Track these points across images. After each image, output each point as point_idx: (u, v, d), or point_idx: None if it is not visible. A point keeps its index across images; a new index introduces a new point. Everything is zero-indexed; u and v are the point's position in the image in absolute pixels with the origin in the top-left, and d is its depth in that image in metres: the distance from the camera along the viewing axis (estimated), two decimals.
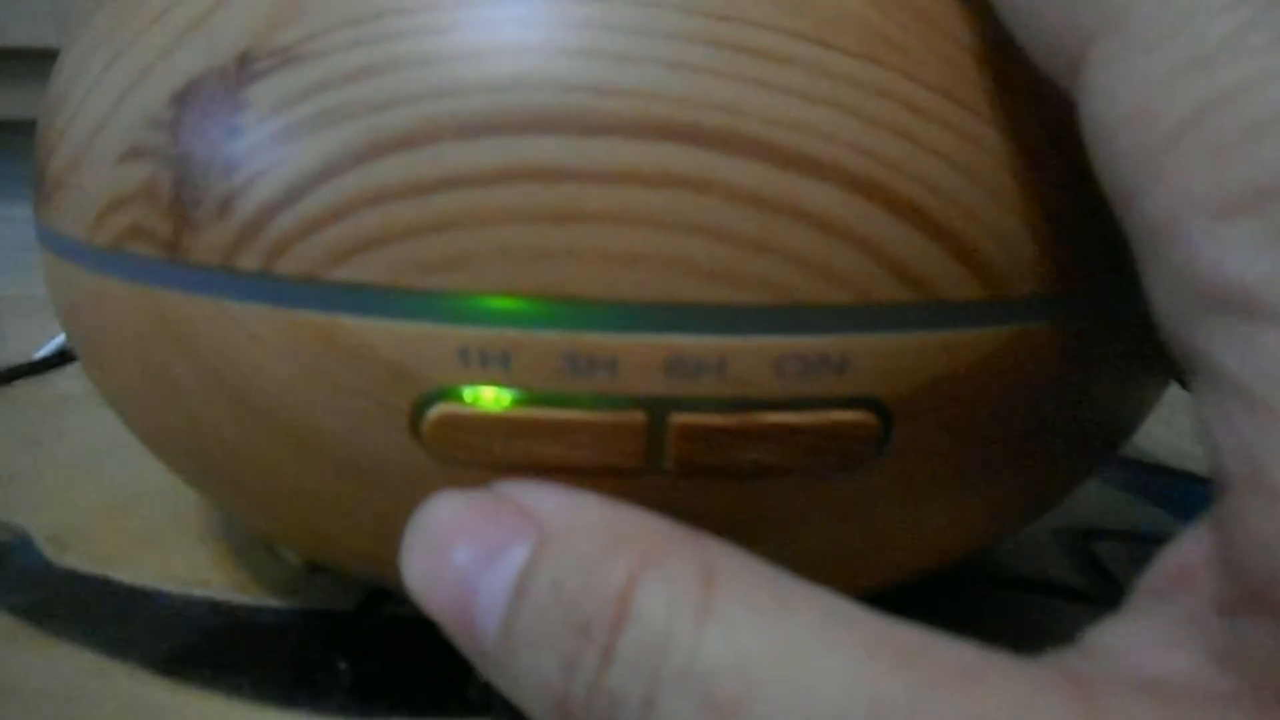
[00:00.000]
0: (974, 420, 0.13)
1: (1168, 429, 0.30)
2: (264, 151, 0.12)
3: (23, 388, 0.32)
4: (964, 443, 0.13)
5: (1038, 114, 0.12)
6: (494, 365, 0.12)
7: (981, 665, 0.09)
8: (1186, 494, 0.25)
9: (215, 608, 0.18)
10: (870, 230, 0.12)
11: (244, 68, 0.12)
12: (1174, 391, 0.34)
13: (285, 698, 0.15)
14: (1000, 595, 0.19)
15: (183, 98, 0.13)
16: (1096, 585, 0.20)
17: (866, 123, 0.12)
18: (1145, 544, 0.22)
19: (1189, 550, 0.10)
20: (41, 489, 0.23)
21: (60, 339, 0.42)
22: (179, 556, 0.20)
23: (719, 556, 0.10)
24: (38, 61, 0.53)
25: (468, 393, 0.12)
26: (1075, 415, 0.14)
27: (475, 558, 0.10)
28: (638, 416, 0.12)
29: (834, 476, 0.13)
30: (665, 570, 0.10)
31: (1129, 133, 0.09)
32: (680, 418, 0.12)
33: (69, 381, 0.33)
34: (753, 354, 0.12)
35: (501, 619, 0.10)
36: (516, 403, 0.12)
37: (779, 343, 0.12)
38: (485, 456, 0.12)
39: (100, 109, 0.13)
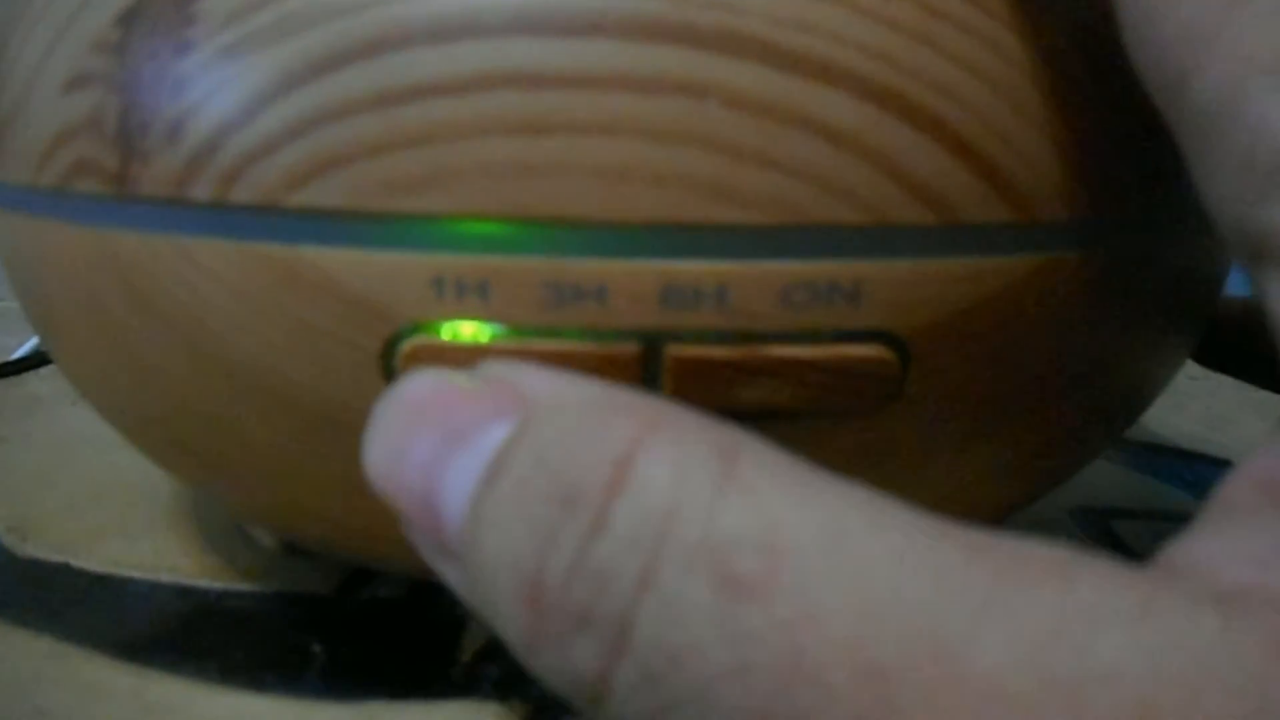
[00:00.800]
0: (997, 359, 0.12)
1: (1184, 417, 0.29)
2: (216, 66, 0.11)
3: None
4: (985, 386, 0.12)
5: (1065, 23, 0.11)
6: (471, 296, 0.11)
7: (1072, 564, 0.07)
8: (1207, 477, 0.24)
9: (183, 592, 0.17)
10: (885, 143, 0.11)
11: None
12: (1188, 382, 0.33)
13: (254, 680, 0.14)
14: None
15: (129, 16, 0.11)
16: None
17: (880, 24, 0.11)
18: (1168, 522, 0.21)
19: (1268, 464, 0.09)
20: (6, 484, 0.22)
21: (34, 340, 0.41)
22: (146, 544, 0.19)
23: (740, 436, 0.08)
24: None
25: (444, 328, 0.11)
26: (1099, 364, 0.13)
27: (447, 435, 0.08)
28: (630, 350, 0.11)
29: (844, 422, 0.12)
30: (676, 437, 0.08)
31: (1181, 5, 0.08)
32: (677, 351, 0.11)
33: (42, 382, 0.32)
34: (756, 281, 0.11)
35: (470, 498, 0.08)
36: (497, 337, 0.11)
37: (785, 268, 0.11)
38: None
39: (44, 40, 0.12)
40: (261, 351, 0.11)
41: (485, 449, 0.08)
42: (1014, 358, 0.12)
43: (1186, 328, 0.15)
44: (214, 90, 0.11)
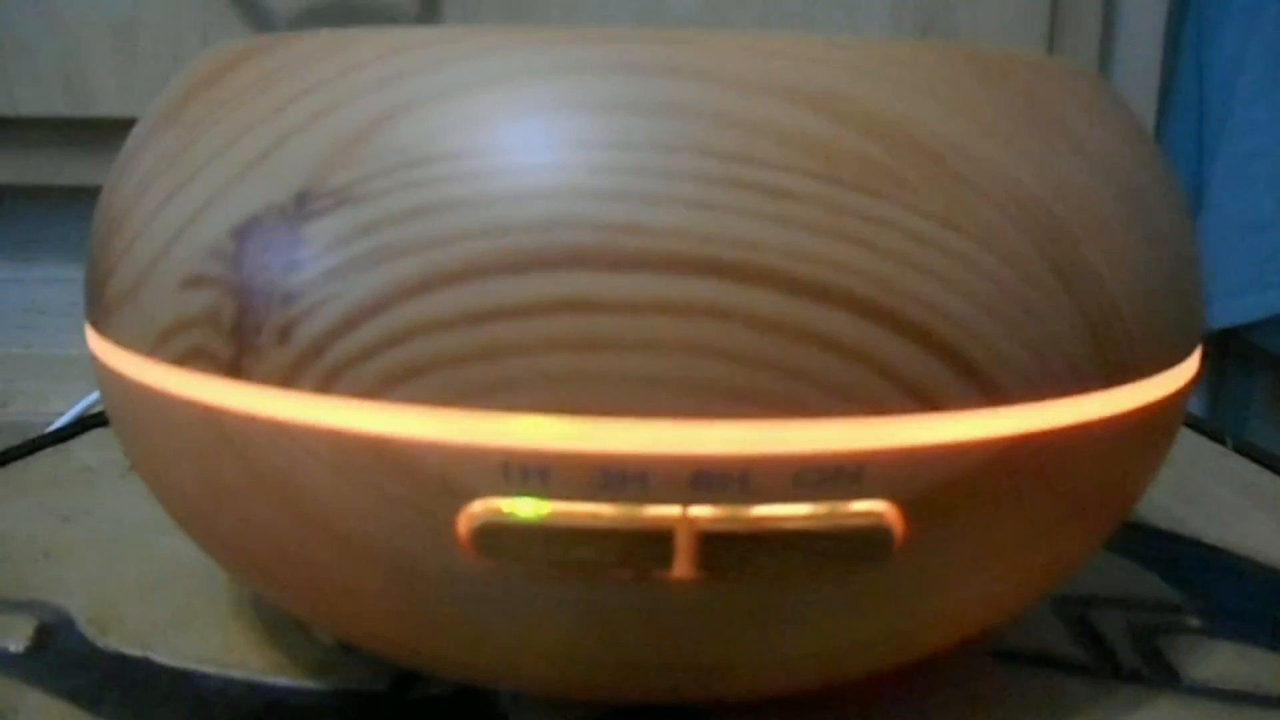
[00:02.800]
0: (982, 517, 0.14)
1: (1157, 488, 0.31)
2: (322, 284, 0.13)
3: (46, 459, 0.33)
4: (973, 537, 0.14)
5: (1032, 235, 0.14)
6: (533, 479, 0.13)
7: None
8: (1182, 558, 0.26)
9: (253, 688, 0.19)
10: (878, 350, 0.13)
11: (302, 206, 0.13)
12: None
13: None
14: (1002, 669, 0.20)
15: (243, 232, 0.14)
16: (1095, 657, 0.20)
17: (875, 253, 0.13)
18: (1145, 612, 0.23)
19: None
20: (76, 567, 0.24)
21: (79, 406, 0.43)
22: (215, 636, 0.21)
23: None
24: (47, 130, 0.55)
25: (508, 504, 0.13)
26: (1078, 503, 0.15)
27: None
28: (665, 526, 0.13)
29: (850, 574, 0.14)
30: None
31: None
32: (704, 525, 0.13)
33: (88, 451, 0.34)
34: (773, 466, 0.13)
35: None
36: (553, 513, 0.13)
37: (797, 455, 0.13)
38: (523, 560, 0.13)
39: (162, 237, 0.15)
40: (353, 516, 0.14)
41: None
42: (997, 513, 0.14)
43: (1166, 443, 0.17)
44: (320, 303, 0.13)
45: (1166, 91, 0.67)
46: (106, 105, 0.51)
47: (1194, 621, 0.22)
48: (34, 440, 0.34)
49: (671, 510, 0.13)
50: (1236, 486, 0.31)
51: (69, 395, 0.47)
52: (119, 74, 0.51)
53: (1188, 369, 0.17)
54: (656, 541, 0.13)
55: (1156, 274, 0.15)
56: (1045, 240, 0.14)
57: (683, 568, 0.13)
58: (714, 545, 0.13)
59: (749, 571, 0.13)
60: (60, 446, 0.34)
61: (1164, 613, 0.22)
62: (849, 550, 0.13)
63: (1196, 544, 0.27)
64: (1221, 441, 0.36)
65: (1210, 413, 0.76)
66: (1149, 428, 0.16)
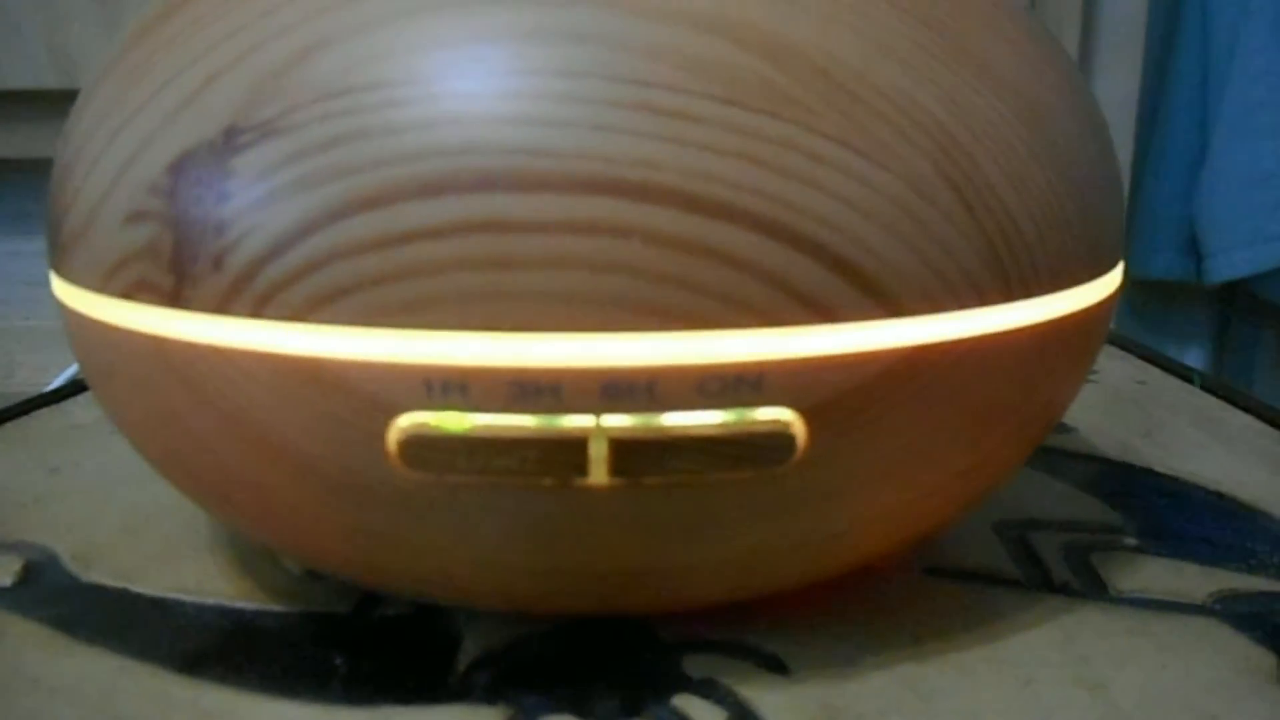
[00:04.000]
0: (885, 425, 0.15)
1: (1120, 424, 0.32)
2: (250, 214, 0.14)
3: (41, 417, 0.34)
4: (879, 445, 0.15)
5: (928, 151, 0.14)
6: (454, 394, 0.14)
7: None
8: (1129, 485, 0.27)
9: (225, 613, 0.20)
10: (775, 264, 0.13)
11: (229, 140, 0.14)
12: (1120, 386, 0.36)
13: (289, 689, 0.17)
14: (934, 585, 0.21)
15: (178, 167, 0.14)
16: (1027, 573, 0.21)
17: (770, 171, 0.13)
18: (1082, 533, 0.23)
19: None
20: (64, 512, 0.25)
21: (72, 370, 0.44)
22: (191, 569, 0.22)
23: None
24: (36, 103, 0.56)
25: (433, 418, 0.14)
26: (986, 414, 0.16)
27: None
28: (578, 434, 0.14)
29: (756, 480, 0.15)
30: None
31: None
32: (616, 434, 0.14)
33: (82, 410, 0.35)
34: (677, 376, 0.14)
35: None
36: (474, 425, 0.14)
37: (700, 365, 0.14)
38: (449, 471, 0.14)
39: (106, 176, 0.15)
40: (292, 434, 0.14)
41: None
42: (896, 423, 0.15)
43: (1082, 359, 0.18)
44: (249, 232, 0.14)
45: (1168, 46, 0.66)
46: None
47: (1130, 541, 0.23)
48: (30, 400, 0.35)
49: (585, 420, 0.14)
50: (1199, 421, 0.32)
51: (70, 365, 0.48)
52: (103, 45, 0.52)
53: (1099, 288, 0.17)
54: (572, 450, 0.14)
55: (1061, 192, 0.16)
56: (943, 159, 0.14)
57: (598, 474, 0.14)
58: (626, 452, 0.14)
59: (661, 477, 0.14)
60: (54, 407, 0.35)
61: (1103, 533, 0.23)
62: (754, 455, 0.14)
63: (1148, 472, 0.27)
64: (1189, 380, 0.37)
65: (1215, 366, 0.76)
66: (1056, 343, 0.16)
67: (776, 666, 0.18)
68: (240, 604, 0.20)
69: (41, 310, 0.63)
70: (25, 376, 0.59)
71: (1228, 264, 0.64)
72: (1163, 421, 0.32)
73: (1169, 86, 0.66)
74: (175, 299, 0.14)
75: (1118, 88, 0.64)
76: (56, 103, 0.55)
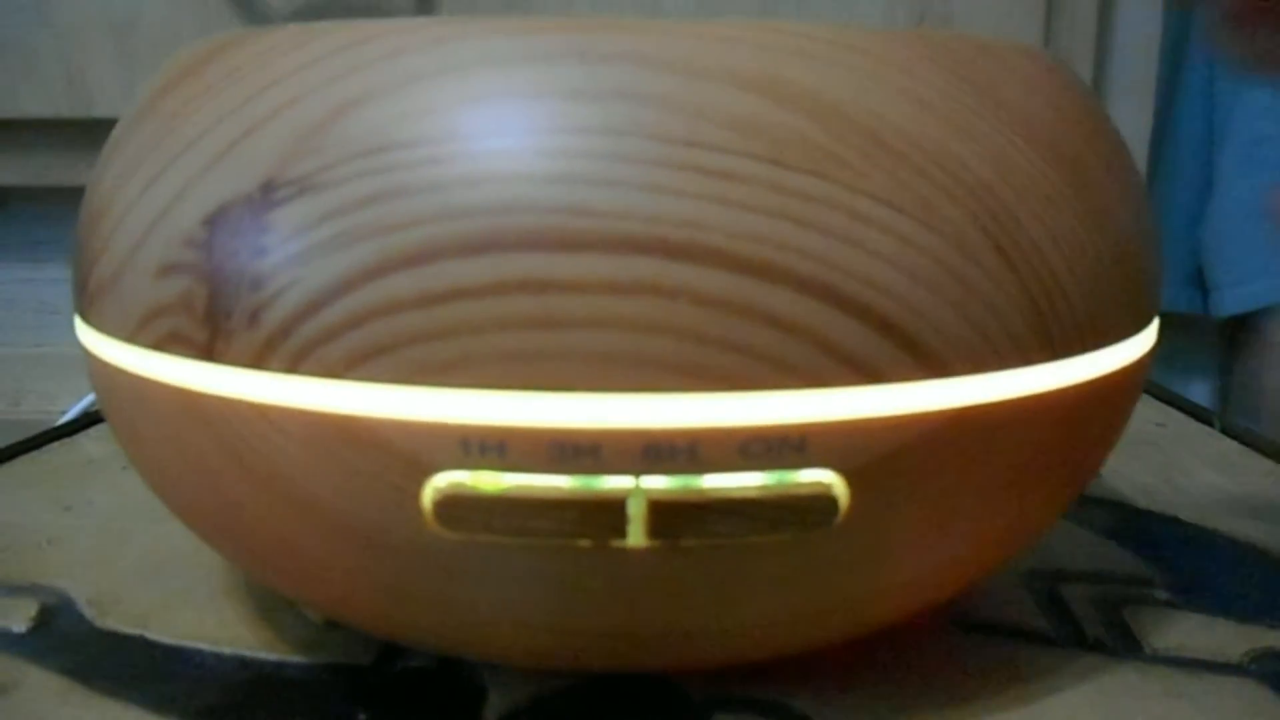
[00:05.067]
0: (928, 486, 0.15)
1: (1140, 468, 0.32)
2: (288, 269, 0.14)
3: (53, 451, 0.34)
4: (921, 506, 0.15)
5: (972, 211, 0.14)
6: (491, 453, 0.13)
7: None
8: (1156, 534, 0.26)
9: (244, 664, 0.20)
10: (819, 325, 0.13)
11: (267, 194, 0.14)
12: (1140, 429, 0.36)
13: None
14: (966, 641, 0.20)
15: (213, 220, 0.14)
16: (1059, 628, 0.21)
17: (815, 232, 0.13)
18: (1113, 585, 0.23)
19: None
20: (78, 553, 0.25)
21: (85, 401, 0.44)
22: (209, 614, 0.21)
23: None
24: (50, 131, 0.56)
25: (469, 477, 0.14)
26: (1027, 473, 0.16)
27: None
28: (617, 495, 0.13)
29: (796, 543, 0.14)
30: None
31: None
32: (655, 495, 0.13)
33: (94, 444, 0.35)
34: (720, 438, 0.13)
35: None
36: (511, 485, 0.13)
37: (742, 427, 0.13)
38: (485, 531, 0.14)
39: (139, 227, 0.15)
40: (325, 491, 0.14)
41: None
42: (941, 484, 0.15)
43: (1119, 416, 0.17)
44: (286, 287, 0.14)
45: (1175, 76, 0.67)
46: (107, 106, 0.52)
47: (1162, 594, 0.22)
48: (41, 434, 0.35)
49: (624, 481, 0.13)
50: (1220, 467, 0.32)
51: (79, 393, 0.48)
52: (119, 74, 0.52)
53: (1139, 344, 0.17)
54: (611, 511, 0.14)
55: (1102, 250, 0.16)
56: (986, 217, 0.14)
57: (636, 536, 0.14)
58: (666, 514, 0.14)
59: (700, 539, 0.14)
60: (66, 440, 0.35)
61: (1133, 586, 0.23)
62: (796, 518, 0.14)
63: (1174, 521, 0.27)
64: (1209, 424, 0.36)
65: (1221, 398, 0.76)
66: (1097, 400, 0.16)
67: None
68: (259, 654, 0.20)
69: (50, 337, 0.63)
70: (33, 404, 0.59)
71: (1234, 298, 0.64)
72: (1184, 466, 0.32)
73: (1175, 120, 0.67)
74: (209, 352, 0.14)
75: (1129, 121, 0.64)
76: (69, 131, 0.55)
